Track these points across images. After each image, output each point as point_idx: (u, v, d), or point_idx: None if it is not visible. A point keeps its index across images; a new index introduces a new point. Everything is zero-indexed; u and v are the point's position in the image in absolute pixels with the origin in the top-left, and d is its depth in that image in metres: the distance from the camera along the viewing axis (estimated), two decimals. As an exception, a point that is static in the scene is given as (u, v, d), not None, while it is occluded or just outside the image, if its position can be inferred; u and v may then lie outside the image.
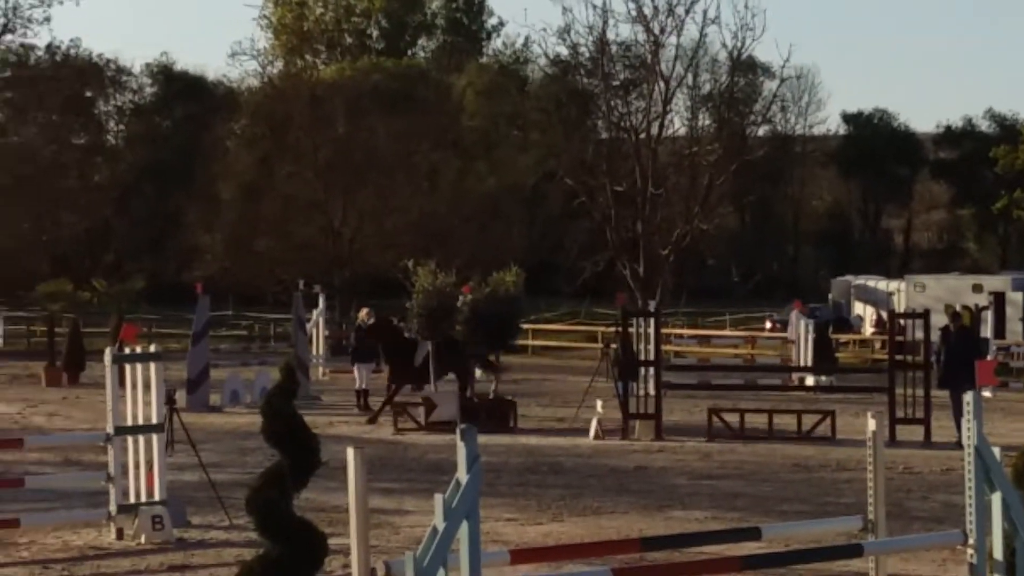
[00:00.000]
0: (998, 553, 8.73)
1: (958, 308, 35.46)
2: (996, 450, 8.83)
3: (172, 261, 77.62)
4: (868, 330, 54.71)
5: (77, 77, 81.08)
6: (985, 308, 39.17)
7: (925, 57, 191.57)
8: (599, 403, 24.94)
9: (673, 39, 62.24)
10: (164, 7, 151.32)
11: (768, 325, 59.22)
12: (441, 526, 7.65)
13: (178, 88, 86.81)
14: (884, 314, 42.36)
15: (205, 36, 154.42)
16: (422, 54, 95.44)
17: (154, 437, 14.67)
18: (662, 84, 65.56)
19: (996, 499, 8.72)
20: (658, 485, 18.81)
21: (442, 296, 25.47)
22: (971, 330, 25.20)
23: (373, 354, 29.93)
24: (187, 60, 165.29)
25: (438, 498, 7.69)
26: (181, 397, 22.65)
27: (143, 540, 14.23)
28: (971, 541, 8.75)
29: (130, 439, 14.66)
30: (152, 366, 14.64)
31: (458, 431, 7.81)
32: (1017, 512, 8.73)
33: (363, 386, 29.10)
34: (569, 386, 33.35)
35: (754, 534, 9.97)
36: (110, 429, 14.49)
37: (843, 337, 49.18)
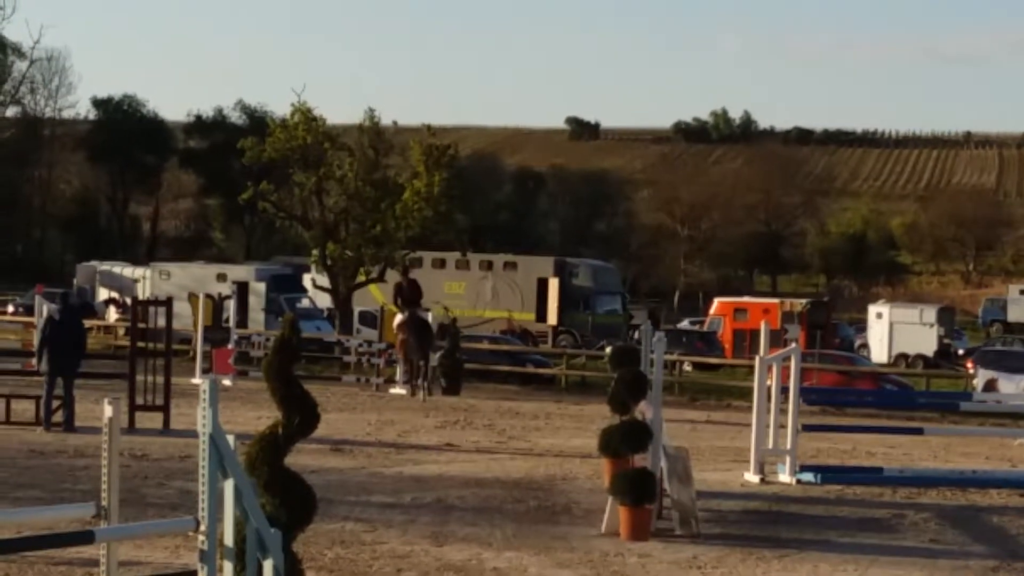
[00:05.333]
0: (229, 539, 8.87)
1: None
2: (231, 438, 8.94)
3: None
4: (112, 317, 54.47)
5: None
6: (228, 297, 39.93)
7: (179, 46, 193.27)
8: None
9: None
10: None
11: (11, 309, 57.67)
12: None
13: None
14: (128, 300, 42.21)
15: None
16: None
17: None
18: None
19: (229, 486, 8.84)
20: None
21: None
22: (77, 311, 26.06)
23: None
24: None
25: None
26: None
27: None
28: (203, 527, 8.83)
29: None
30: None
31: None
32: (249, 499, 8.89)
33: None
34: None
35: (-21, 521, 9.63)
36: None
37: (88, 323, 48.58)
